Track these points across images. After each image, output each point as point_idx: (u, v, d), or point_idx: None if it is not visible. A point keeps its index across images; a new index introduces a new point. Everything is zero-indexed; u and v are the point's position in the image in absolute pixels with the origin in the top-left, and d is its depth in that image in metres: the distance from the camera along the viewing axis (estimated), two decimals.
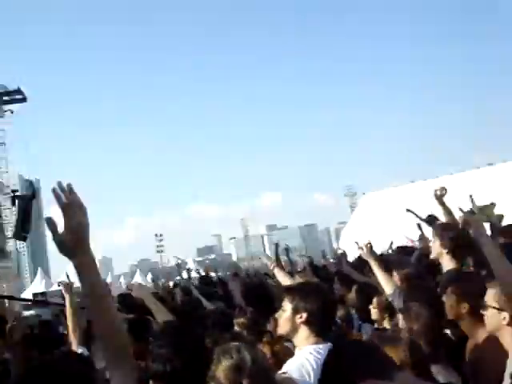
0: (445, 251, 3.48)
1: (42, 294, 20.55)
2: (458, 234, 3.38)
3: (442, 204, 4.23)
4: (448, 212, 4.21)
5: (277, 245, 6.77)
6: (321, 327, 2.28)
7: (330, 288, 4.39)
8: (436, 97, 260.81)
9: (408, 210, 6.83)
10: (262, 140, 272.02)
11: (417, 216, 6.70)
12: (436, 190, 4.21)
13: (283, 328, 2.38)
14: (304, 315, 2.29)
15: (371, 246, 4.22)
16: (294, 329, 2.31)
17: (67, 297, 4.18)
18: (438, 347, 2.57)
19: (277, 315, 2.44)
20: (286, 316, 2.36)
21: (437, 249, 3.57)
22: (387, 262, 4.98)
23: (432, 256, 3.72)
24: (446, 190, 4.19)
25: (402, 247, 7.14)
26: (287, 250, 6.62)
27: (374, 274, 4.33)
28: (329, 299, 2.42)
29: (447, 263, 3.49)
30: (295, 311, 2.32)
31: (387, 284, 3.71)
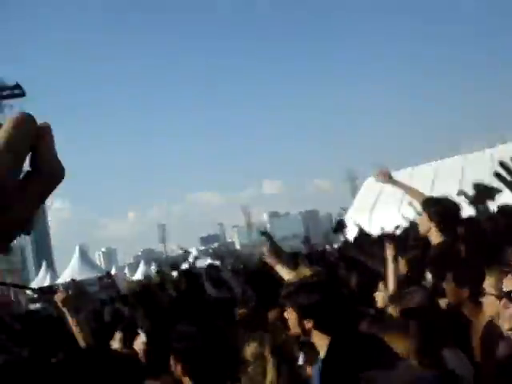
0: (433, 225, 3.42)
1: (49, 287, 20.64)
2: (445, 207, 3.35)
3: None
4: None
5: (265, 232, 5.76)
6: (332, 327, 2.12)
7: (333, 278, 4.27)
8: (435, 82, 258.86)
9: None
10: (263, 127, 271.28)
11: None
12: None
13: (294, 329, 2.26)
14: (311, 322, 2.16)
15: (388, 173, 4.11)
16: (305, 333, 2.21)
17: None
18: (440, 330, 2.44)
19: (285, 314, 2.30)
20: (293, 320, 2.24)
21: (425, 223, 3.48)
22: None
23: (421, 231, 3.62)
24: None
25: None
26: (267, 234, 5.48)
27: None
28: (333, 295, 2.21)
29: (435, 238, 3.42)
30: (300, 317, 2.19)
31: (417, 197, 3.79)
